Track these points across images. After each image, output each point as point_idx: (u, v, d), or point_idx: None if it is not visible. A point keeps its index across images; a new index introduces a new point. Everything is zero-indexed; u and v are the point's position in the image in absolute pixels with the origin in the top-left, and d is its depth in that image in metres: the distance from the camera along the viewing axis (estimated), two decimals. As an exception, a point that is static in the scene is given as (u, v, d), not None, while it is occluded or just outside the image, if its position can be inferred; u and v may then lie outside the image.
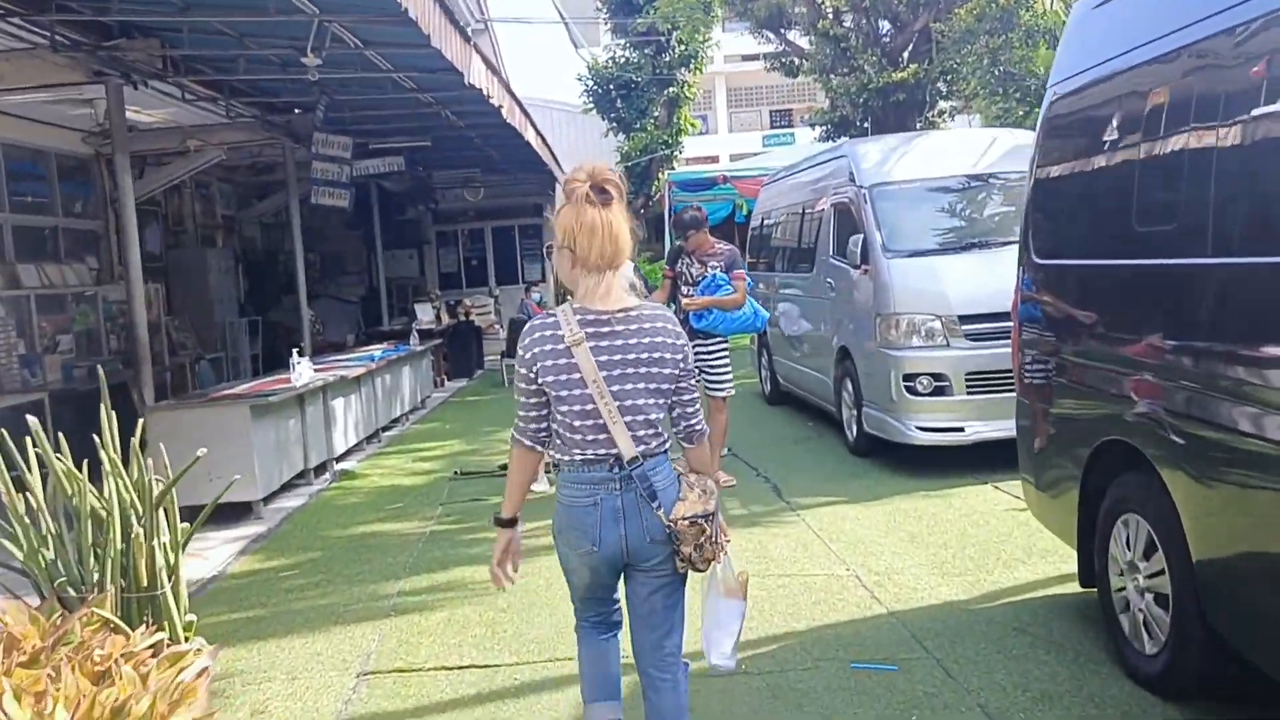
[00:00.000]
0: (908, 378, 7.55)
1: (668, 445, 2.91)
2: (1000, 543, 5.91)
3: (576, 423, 2.79)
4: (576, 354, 2.75)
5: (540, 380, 2.81)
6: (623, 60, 23.45)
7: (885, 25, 16.91)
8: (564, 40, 32.78)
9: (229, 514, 7.66)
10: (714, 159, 32.91)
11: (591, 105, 24.12)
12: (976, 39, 14.13)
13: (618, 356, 2.77)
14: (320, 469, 9.20)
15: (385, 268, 20.12)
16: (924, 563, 5.66)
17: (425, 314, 15.57)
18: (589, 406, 2.77)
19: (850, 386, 8.60)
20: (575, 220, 2.77)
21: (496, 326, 17.70)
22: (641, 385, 2.79)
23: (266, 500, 7.97)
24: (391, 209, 20.08)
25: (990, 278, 7.65)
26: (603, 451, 2.80)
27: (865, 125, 17.11)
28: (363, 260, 20.53)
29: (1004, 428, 7.33)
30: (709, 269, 7.40)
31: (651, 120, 22.99)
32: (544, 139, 15.58)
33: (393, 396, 11.59)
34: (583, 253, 2.76)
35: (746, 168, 25.22)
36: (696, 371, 3.38)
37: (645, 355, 2.79)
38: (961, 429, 7.48)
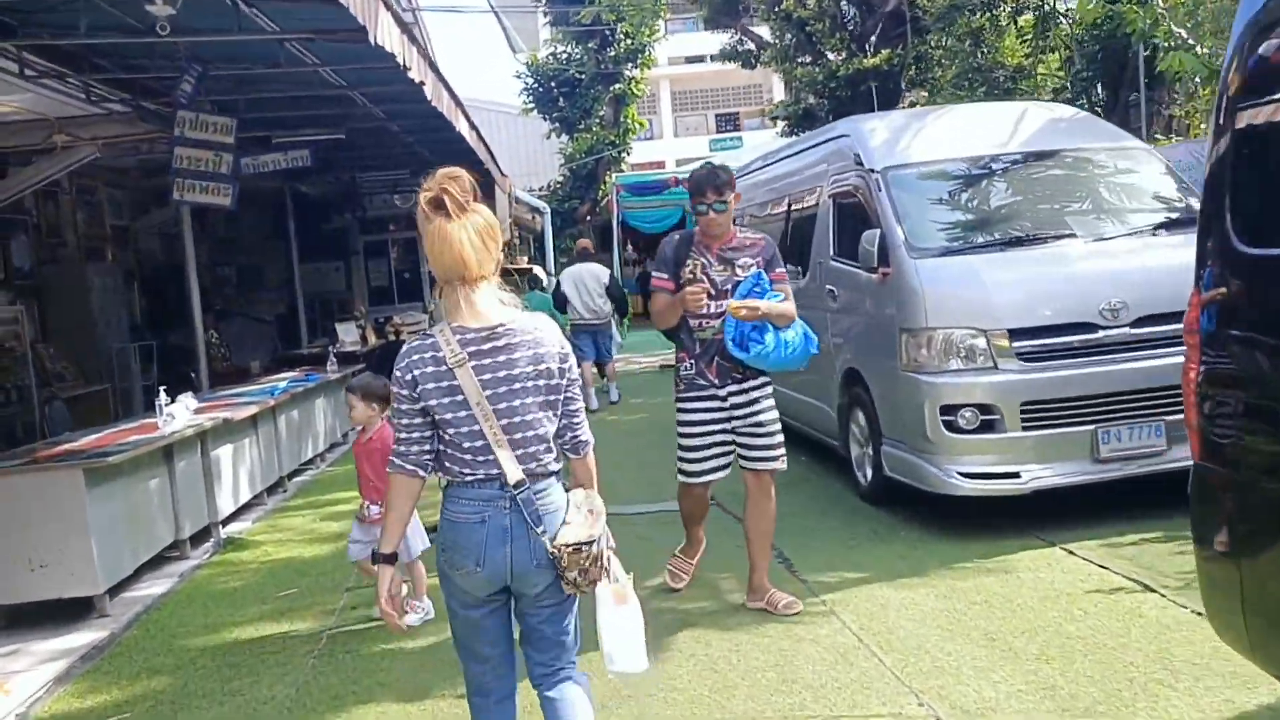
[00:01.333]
0: (946, 410, 5.83)
1: (557, 467, 2.80)
2: (1119, 648, 4.18)
3: (465, 444, 2.68)
4: (459, 375, 2.64)
5: (423, 402, 2.67)
6: (565, 56, 21.67)
7: (851, 9, 15.36)
8: (501, 42, 30.88)
9: (61, 613, 5.72)
10: (659, 164, 31.25)
11: (532, 104, 22.29)
12: (961, 15, 12.57)
13: (502, 373, 2.67)
14: (202, 535, 7.26)
15: (305, 282, 18.07)
16: (1025, 687, 3.92)
17: (348, 334, 13.60)
18: (475, 428, 2.65)
19: (861, 419, 6.88)
20: (423, 231, 2.66)
21: None
22: (530, 400, 2.70)
23: (115, 590, 6.00)
24: (314, 217, 18.05)
25: (1047, 280, 6.00)
26: (493, 472, 2.68)
27: (829, 118, 15.51)
28: (285, 274, 18.46)
29: (1071, 472, 5.73)
30: (738, 269, 4.81)
31: (597, 120, 21.23)
32: (479, 133, 13.74)
33: (302, 436, 9.63)
34: (435, 266, 2.67)
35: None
36: (579, 380, 2.92)
37: (531, 369, 2.69)
38: (1017, 474, 5.78)
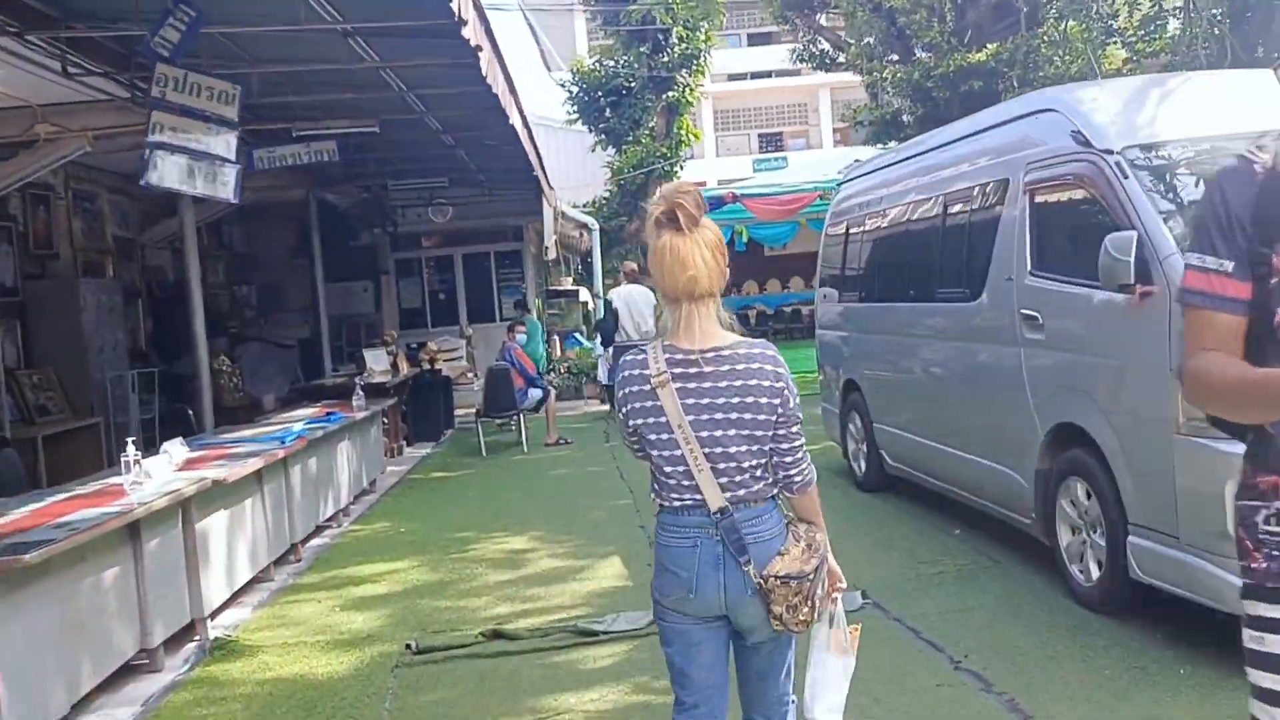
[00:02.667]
0: (1257, 494, 3.89)
1: (773, 492, 2.60)
2: None
3: (667, 468, 2.55)
4: (661, 396, 2.52)
5: (632, 423, 2.59)
6: (612, 64, 19.94)
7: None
8: (535, 51, 29.20)
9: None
10: (701, 184, 29.47)
11: (576, 115, 20.53)
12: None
13: (705, 400, 2.51)
14: (184, 632, 5.40)
15: (330, 303, 16.30)
16: None
17: (378, 362, 11.81)
18: (676, 452, 2.51)
19: (1081, 493, 4.95)
20: (651, 247, 2.55)
21: (470, 375, 13.88)
22: (733, 432, 2.50)
23: (46, 736, 4.13)
24: (341, 233, 16.32)
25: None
26: (697, 498, 2.52)
27: (921, 126, 13.64)
28: (309, 295, 16.72)
29: None
30: None
31: (647, 131, 19.45)
32: (530, 133, 11.94)
33: (320, 491, 7.78)
34: (658, 282, 2.56)
35: (764, 185, 21.73)
36: (797, 416, 2.58)
37: (736, 400, 2.51)
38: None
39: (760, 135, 37.23)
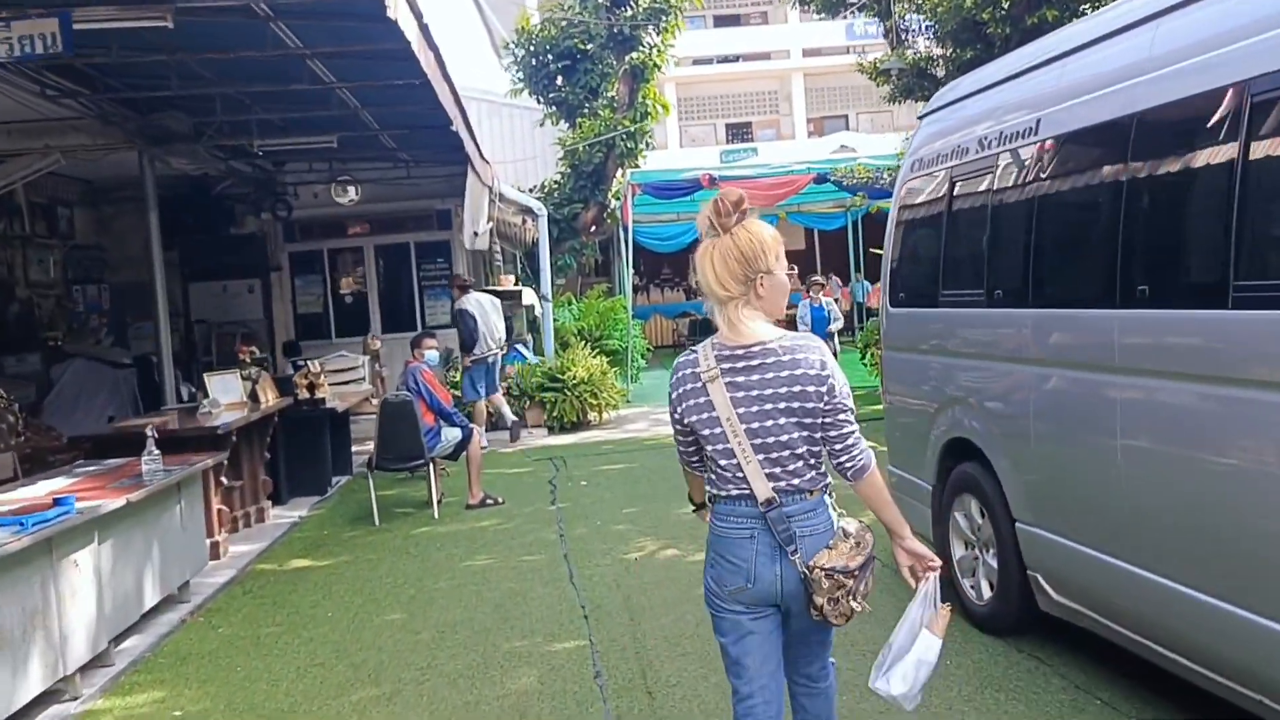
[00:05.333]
0: None
1: (826, 484, 2.66)
2: None
3: (721, 460, 2.63)
4: (711, 390, 2.60)
5: (686, 420, 2.66)
6: (564, 22, 16.44)
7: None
8: (484, 42, 25.52)
9: None
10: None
11: (522, 83, 17.00)
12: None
13: (754, 392, 2.58)
14: None
15: (200, 307, 12.68)
16: None
17: (226, 390, 8.19)
18: (727, 445, 2.60)
19: None
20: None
21: (375, 402, 10.20)
22: (784, 420, 2.57)
23: None
24: (216, 217, 12.66)
25: None
26: (745, 489, 2.60)
27: (954, 71, 10.27)
28: (180, 297, 13.03)
29: None
30: None
31: (606, 101, 15.97)
32: (452, 85, 8.49)
33: (26, 644, 4.15)
34: (699, 284, 2.65)
35: (752, 166, 18.39)
36: (849, 405, 2.64)
37: (784, 390, 2.57)
38: None
39: (728, 125, 33.91)
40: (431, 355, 8.60)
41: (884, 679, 2.70)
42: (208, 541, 6.93)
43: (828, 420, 2.60)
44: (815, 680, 2.80)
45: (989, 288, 4.45)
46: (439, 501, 8.48)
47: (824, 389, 2.58)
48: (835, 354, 11.44)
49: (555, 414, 12.37)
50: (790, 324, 12.22)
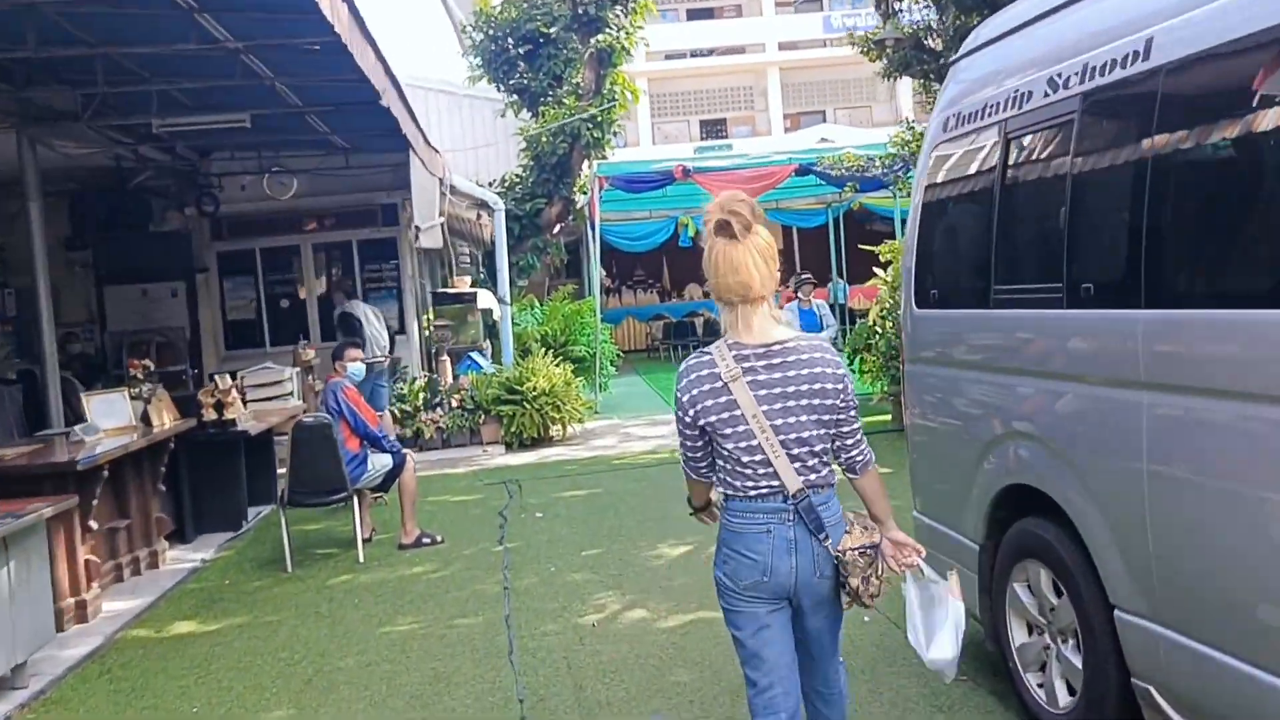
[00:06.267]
0: None
1: (833, 478, 2.72)
2: None
3: (745, 458, 2.63)
4: (734, 390, 2.61)
5: (701, 421, 2.66)
6: (525, 4, 15.09)
7: None
8: (449, 33, 23.98)
9: None
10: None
11: (481, 70, 15.65)
12: None
13: (777, 390, 2.62)
14: None
15: (117, 314, 11.28)
16: None
17: (110, 413, 6.80)
18: (753, 442, 2.61)
19: None
20: (707, 252, 2.65)
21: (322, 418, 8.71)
22: (805, 418, 2.63)
23: None
24: (133, 212, 11.26)
25: None
26: (774, 484, 2.63)
27: (954, 44, 9.05)
28: (93, 301, 11.61)
29: None
30: None
31: (571, 88, 14.66)
32: (387, 65, 7.20)
33: None
34: (711, 286, 2.67)
35: (729, 157, 17.10)
36: (856, 402, 2.75)
37: (806, 386, 2.63)
38: None
39: (702, 122, 32.64)
40: (355, 369, 7.25)
41: (935, 647, 2.80)
42: (63, 604, 5.57)
43: (842, 417, 2.70)
44: (830, 684, 2.83)
45: (1072, 281, 3.17)
46: (366, 541, 7.14)
47: (841, 386, 2.68)
48: None
49: (513, 429, 11.04)
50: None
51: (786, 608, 2.70)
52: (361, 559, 6.81)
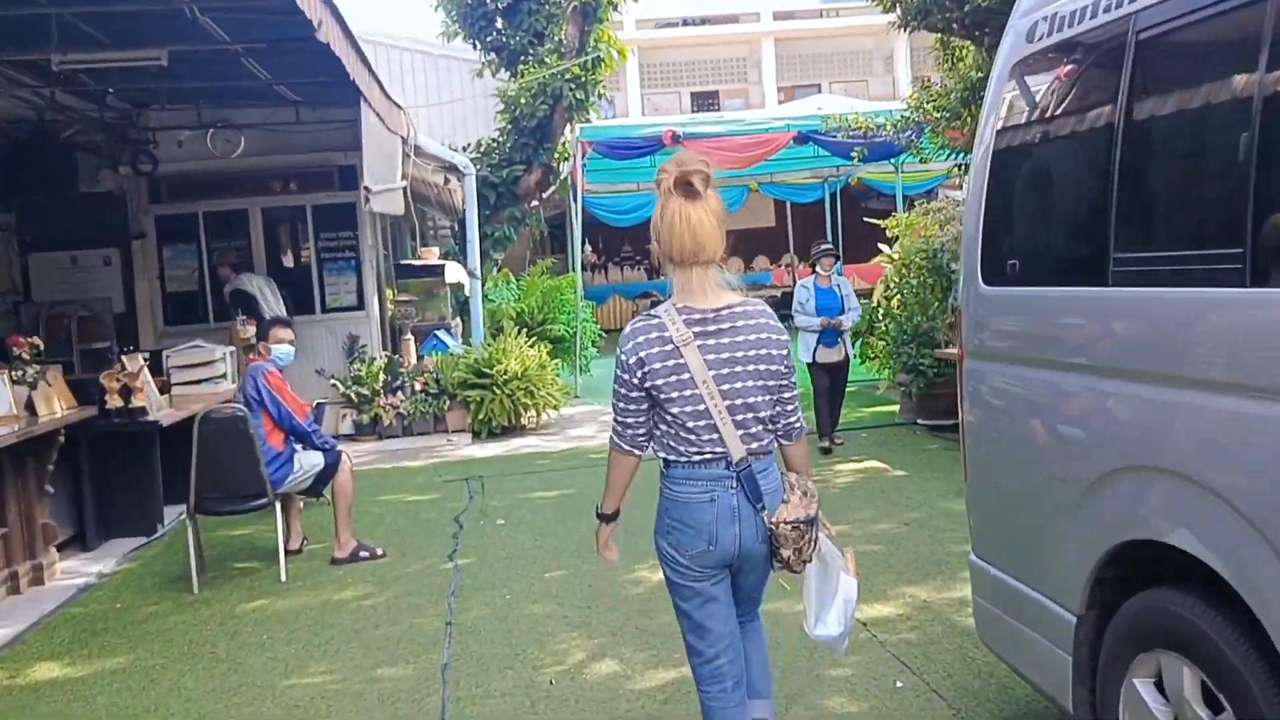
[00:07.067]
0: None
1: (773, 444, 2.72)
2: None
3: (690, 423, 2.60)
4: (686, 354, 2.58)
5: (648, 384, 2.60)
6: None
7: None
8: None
9: None
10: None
11: (456, 27, 14.38)
12: None
13: (726, 355, 2.60)
14: None
15: (40, 284, 10.10)
16: None
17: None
18: (700, 407, 2.59)
19: None
20: (659, 213, 2.61)
21: (237, 409, 7.51)
22: (752, 383, 2.62)
23: None
24: (62, 172, 10.02)
25: None
26: (719, 450, 2.61)
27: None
28: (16, 270, 10.39)
29: None
30: None
31: (552, 46, 13.44)
32: (335, 10, 6.05)
33: None
34: (665, 247, 2.61)
35: (722, 123, 15.87)
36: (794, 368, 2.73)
37: (754, 352, 2.62)
38: None
39: (693, 94, 31.32)
40: (283, 352, 6.07)
41: (822, 624, 2.76)
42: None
43: (784, 383, 2.68)
44: (750, 617, 2.86)
45: (1263, 247, 2.05)
46: (293, 553, 6.03)
47: (784, 352, 2.67)
48: (848, 359, 8.45)
49: (482, 417, 9.92)
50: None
51: (727, 576, 2.70)
52: (284, 577, 5.68)
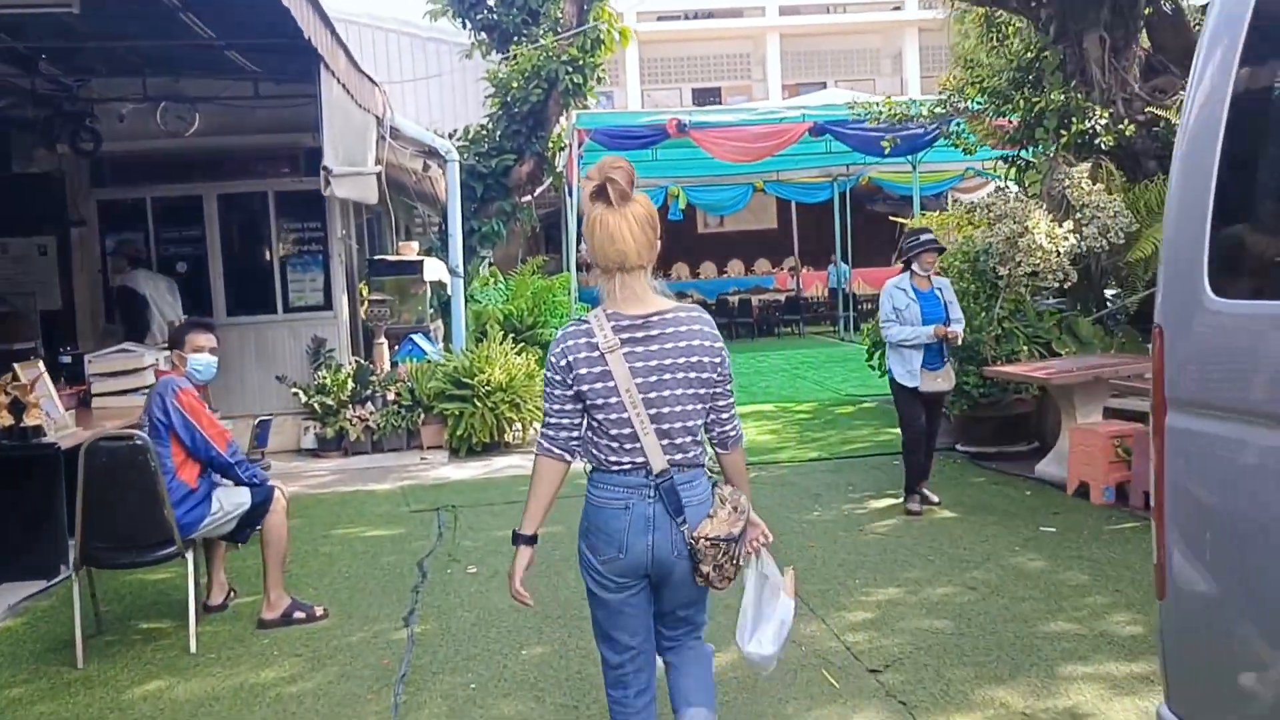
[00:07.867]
0: None
1: (703, 460, 2.64)
2: None
3: (613, 431, 2.54)
4: (610, 361, 2.51)
5: (576, 387, 2.54)
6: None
7: None
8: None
9: None
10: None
11: (445, 4, 13.19)
12: None
13: (654, 362, 2.53)
14: None
15: (-41, 275, 8.87)
16: None
17: None
18: (623, 415, 2.52)
19: None
20: (585, 219, 2.55)
21: (137, 437, 6.22)
22: (680, 392, 2.54)
23: None
24: (-10, 148, 8.84)
25: None
26: (639, 460, 2.54)
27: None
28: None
29: None
30: None
31: (548, 26, 12.28)
32: None
33: None
34: (590, 253, 2.56)
35: (733, 112, 14.75)
36: (731, 375, 2.65)
37: (683, 360, 2.55)
38: None
39: (694, 90, 30.14)
40: (201, 363, 4.87)
41: (755, 642, 2.69)
42: None
43: (718, 390, 2.61)
44: (690, 644, 2.77)
45: None
46: (214, 608, 4.85)
47: (718, 360, 2.59)
48: (953, 379, 6.37)
49: (460, 432, 8.73)
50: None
51: (645, 585, 2.62)
52: (194, 647, 4.49)
